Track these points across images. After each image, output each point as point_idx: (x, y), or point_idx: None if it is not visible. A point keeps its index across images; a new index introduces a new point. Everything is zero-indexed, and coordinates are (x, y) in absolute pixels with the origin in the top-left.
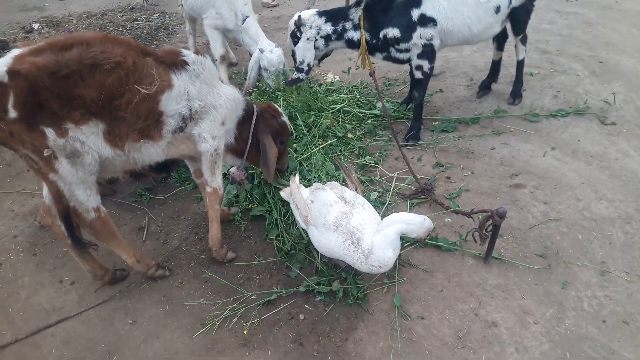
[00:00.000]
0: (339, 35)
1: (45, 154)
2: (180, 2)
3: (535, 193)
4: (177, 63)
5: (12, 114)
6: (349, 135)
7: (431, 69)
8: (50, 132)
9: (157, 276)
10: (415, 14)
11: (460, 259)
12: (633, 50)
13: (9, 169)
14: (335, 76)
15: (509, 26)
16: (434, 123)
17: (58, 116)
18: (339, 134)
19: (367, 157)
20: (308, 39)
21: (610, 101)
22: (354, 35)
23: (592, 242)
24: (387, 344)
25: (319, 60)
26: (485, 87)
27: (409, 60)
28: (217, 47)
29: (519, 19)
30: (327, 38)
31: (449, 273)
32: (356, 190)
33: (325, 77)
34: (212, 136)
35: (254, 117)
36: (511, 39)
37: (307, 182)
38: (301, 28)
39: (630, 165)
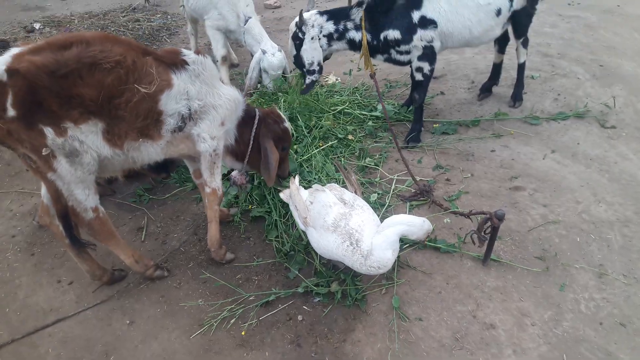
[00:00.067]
0: (341, 34)
1: (43, 153)
2: (181, 2)
3: (535, 196)
4: (177, 63)
5: (11, 112)
6: (350, 136)
7: (431, 71)
8: (49, 131)
9: (156, 277)
10: (415, 15)
11: (459, 260)
12: (634, 54)
13: (8, 169)
14: (337, 78)
15: (510, 29)
16: (434, 125)
17: (57, 115)
18: (339, 136)
19: (368, 159)
20: (312, 38)
21: (610, 104)
22: (355, 35)
23: (591, 244)
24: (384, 345)
25: None
26: (486, 90)
27: (409, 62)
28: (219, 48)
29: (520, 22)
30: (329, 37)
31: (447, 275)
32: (355, 192)
33: (326, 79)
34: (211, 136)
35: (256, 121)
36: (512, 42)
37: (307, 184)
38: (303, 28)
39: (629, 169)
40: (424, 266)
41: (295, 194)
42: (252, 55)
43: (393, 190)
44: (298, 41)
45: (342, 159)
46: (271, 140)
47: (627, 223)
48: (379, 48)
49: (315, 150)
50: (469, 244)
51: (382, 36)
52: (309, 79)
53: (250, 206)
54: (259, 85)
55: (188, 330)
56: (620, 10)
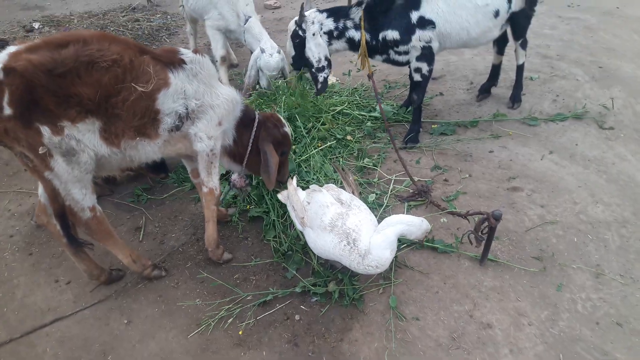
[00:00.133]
0: (341, 32)
1: (40, 152)
2: (181, 3)
3: (532, 196)
4: (174, 62)
5: (7, 111)
6: (349, 137)
7: (430, 71)
8: (45, 130)
9: (153, 276)
10: (414, 16)
11: (456, 260)
12: (633, 56)
13: (6, 168)
14: (337, 79)
15: (509, 30)
16: (433, 126)
17: (54, 114)
18: (338, 136)
19: (366, 159)
20: (314, 34)
21: (608, 106)
22: (354, 34)
23: (588, 245)
24: (381, 345)
25: None
26: (485, 91)
27: (408, 63)
28: (218, 48)
29: (518, 23)
30: (329, 35)
31: (444, 275)
32: (353, 193)
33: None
34: (208, 136)
35: (255, 124)
36: (511, 43)
37: (305, 184)
38: (303, 25)
39: (627, 170)
40: (421, 266)
41: (292, 194)
42: None
43: (391, 191)
44: (298, 39)
45: (341, 160)
46: (271, 144)
47: (624, 224)
48: (377, 48)
49: (314, 151)
50: (466, 244)
51: (380, 36)
52: (321, 77)
53: (248, 206)
54: (257, 87)
55: (185, 330)
56: (619, 12)
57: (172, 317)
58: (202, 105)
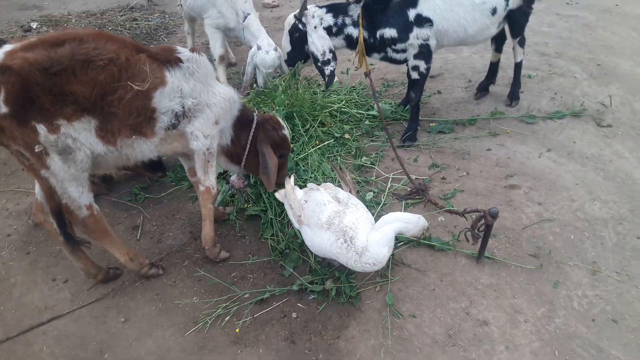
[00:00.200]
0: (340, 29)
1: (36, 150)
2: (179, 2)
3: (530, 194)
4: (171, 60)
5: (3, 109)
6: (346, 136)
7: (427, 69)
8: (41, 128)
9: (150, 275)
10: (411, 14)
11: (453, 258)
12: (632, 53)
13: (4, 168)
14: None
15: (507, 28)
16: (431, 124)
17: (50, 112)
18: (336, 135)
19: (364, 158)
20: (315, 27)
21: (606, 103)
22: (353, 31)
23: (585, 242)
24: (378, 342)
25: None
26: (483, 89)
27: (405, 61)
28: (217, 47)
29: (516, 21)
30: (328, 31)
31: (441, 272)
32: (350, 191)
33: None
34: (204, 135)
35: (254, 125)
36: (509, 41)
37: (303, 182)
38: (303, 19)
39: (624, 167)
40: (418, 264)
41: (290, 192)
42: None
43: (389, 189)
44: (297, 33)
45: (339, 158)
46: (269, 146)
47: (621, 221)
48: (375, 46)
49: (312, 149)
50: (463, 241)
51: (378, 34)
52: (327, 70)
53: (245, 205)
54: (255, 85)
55: (182, 328)
56: (618, 9)
57: (169, 316)
58: (199, 103)
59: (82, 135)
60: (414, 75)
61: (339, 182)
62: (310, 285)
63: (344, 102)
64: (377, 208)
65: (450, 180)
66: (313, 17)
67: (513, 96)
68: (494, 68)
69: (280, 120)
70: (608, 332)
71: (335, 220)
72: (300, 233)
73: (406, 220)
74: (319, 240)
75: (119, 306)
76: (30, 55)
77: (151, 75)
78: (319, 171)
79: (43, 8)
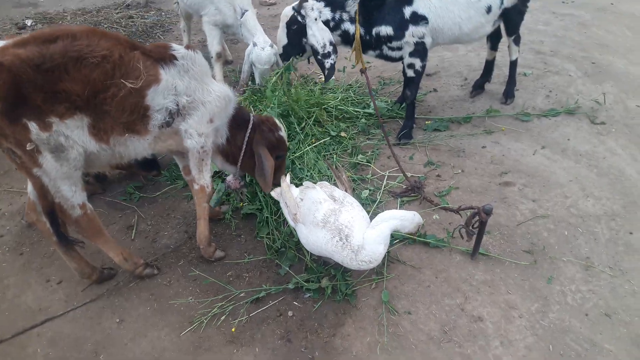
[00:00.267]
0: (337, 24)
1: (28, 148)
2: None
3: (524, 191)
4: (165, 58)
5: None
6: (343, 134)
7: (423, 67)
8: (33, 126)
9: (145, 275)
10: (407, 11)
11: (448, 255)
12: (625, 51)
13: None
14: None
15: (502, 26)
16: (426, 122)
17: (42, 110)
18: (332, 133)
19: (360, 156)
20: (315, 19)
21: (600, 101)
22: (350, 27)
23: (578, 238)
24: (374, 339)
25: (309, 59)
26: (478, 87)
27: (401, 59)
28: (215, 44)
29: (511, 19)
30: (326, 24)
31: (436, 269)
32: (346, 190)
33: (320, 76)
34: (198, 133)
35: (250, 126)
36: (505, 39)
37: (299, 181)
38: (302, 11)
39: (617, 164)
40: (413, 261)
41: (286, 191)
42: None
43: (384, 187)
44: (296, 25)
45: (335, 156)
46: (265, 148)
47: (614, 217)
48: (371, 44)
49: (308, 148)
50: (457, 238)
51: (374, 32)
52: (327, 63)
53: (241, 204)
54: (250, 83)
55: (178, 328)
56: (613, 8)
57: (164, 316)
58: (194, 101)
59: (75, 133)
60: (410, 73)
61: (334, 180)
62: (306, 284)
63: (339, 99)
64: (372, 206)
65: (446, 177)
66: (312, 9)
67: (508, 94)
68: (489, 66)
69: (276, 121)
70: (601, 327)
71: (331, 218)
72: (295, 231)
73: (402, 218)
74: (315, 238)
75: (113, 307)
76: (22, 51)
77: (145, 73)
78: (315, 169)
79: (38, 5)
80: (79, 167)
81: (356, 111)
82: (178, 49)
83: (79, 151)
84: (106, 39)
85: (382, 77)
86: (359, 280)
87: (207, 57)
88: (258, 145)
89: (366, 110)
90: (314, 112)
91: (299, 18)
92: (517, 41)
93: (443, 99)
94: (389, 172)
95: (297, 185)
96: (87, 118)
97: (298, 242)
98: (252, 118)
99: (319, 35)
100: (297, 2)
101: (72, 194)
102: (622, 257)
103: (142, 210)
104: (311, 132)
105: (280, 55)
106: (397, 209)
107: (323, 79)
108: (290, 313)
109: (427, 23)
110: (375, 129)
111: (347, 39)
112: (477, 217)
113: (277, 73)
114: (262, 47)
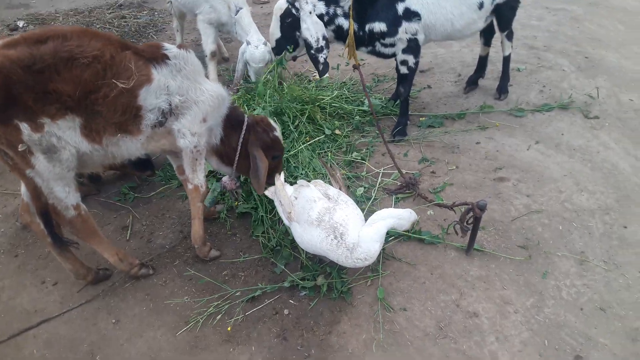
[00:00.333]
0: (331, 18)
1: (20, 149)
2: None
3: (518, 186)
4: (157, 57)
5: None
6: (337, 131)
7: (416, 64)
8: (24, 127)
9: (141, 275)
10: (400, 8)
11: (443, 251)
12: (618, 45)
13: None
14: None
15: (495, 22)
16: (421, 119)
17: (33, 110)
18: (326, 131)
19: (354, 153)
20: (310, 12)
21: (594, 95)
22: (343, 23)
23: (572, 232)
24: (369, 336)
25: (295, 58)
26: (472, 83)
27: (394, 55)
28: (209, 43)
29: (504, 15)
30: (320, 18)
31: (431, 265)
32: (340, 189)
33: (314, 74)
34: (191, 132)
35: (244, 127)
36: (498, 35)
37: (293, 179)
38: (296, 4)
39: (611, 158)
40: (408, 257)
41: (280, 189)
42: None
43: (379, 184)
44: (290, 19)
45: (329, 154)
46: (260, 149)
47: (607, 211)
48: (364, 40)
49: (302, 146)
50: (452, 234)
51: (367, 28)
52: (321, 57)
53: (236, 203)
54: (242, 82)
55: (174, 328)
56: (605, 2)
57: (160, 315)
58: (186, 101)
59: (67, 133)
60: (403, 69)
61: (329, 179)
62: (301, 282)
63: (334, 96)
64: (367, 203)
65: (440, 174)
66: (307, 2)
67: (502, 89)
68: (483, 62)
69: (271, 122)
70: (596, 321)
71: (326, 216)
72: (290, 230)
73: (399, 217)
74: (309, 237)
75: (109, 307)
76: (12, 52)
77: (137, 73)
78: (310, 167)
79: (30, 6)
80: (71, 168)
81: (351, 108)
82: (170, 49)
83: (72, 152)
84: (97, 39)
85: (376, 74)
86: (355, 278)
87: (201, 57)
88: (253, 147)
89: (360, 108)
90: (307, 110)
91: (293, 11)
92: (509, 37)
93: (437, 96)
94: (383, 169)
95: (291, 184)
96: (78, 118)
97: (293, 241)
98: (246, 119)
99: (313, 29)
100: (282, 1)
101: (65, 195)
102: (617, 251)
103: (137, 211)
104: (305, 130)
105: (273, 49)
106: (392, 206)
107: (317, 77)
108: (286, 311)
109: (419, 19)
110: (369, 126)
111: (340, 34)
112: (471, 213)
113: (270, 69)
114: (256, 46)
